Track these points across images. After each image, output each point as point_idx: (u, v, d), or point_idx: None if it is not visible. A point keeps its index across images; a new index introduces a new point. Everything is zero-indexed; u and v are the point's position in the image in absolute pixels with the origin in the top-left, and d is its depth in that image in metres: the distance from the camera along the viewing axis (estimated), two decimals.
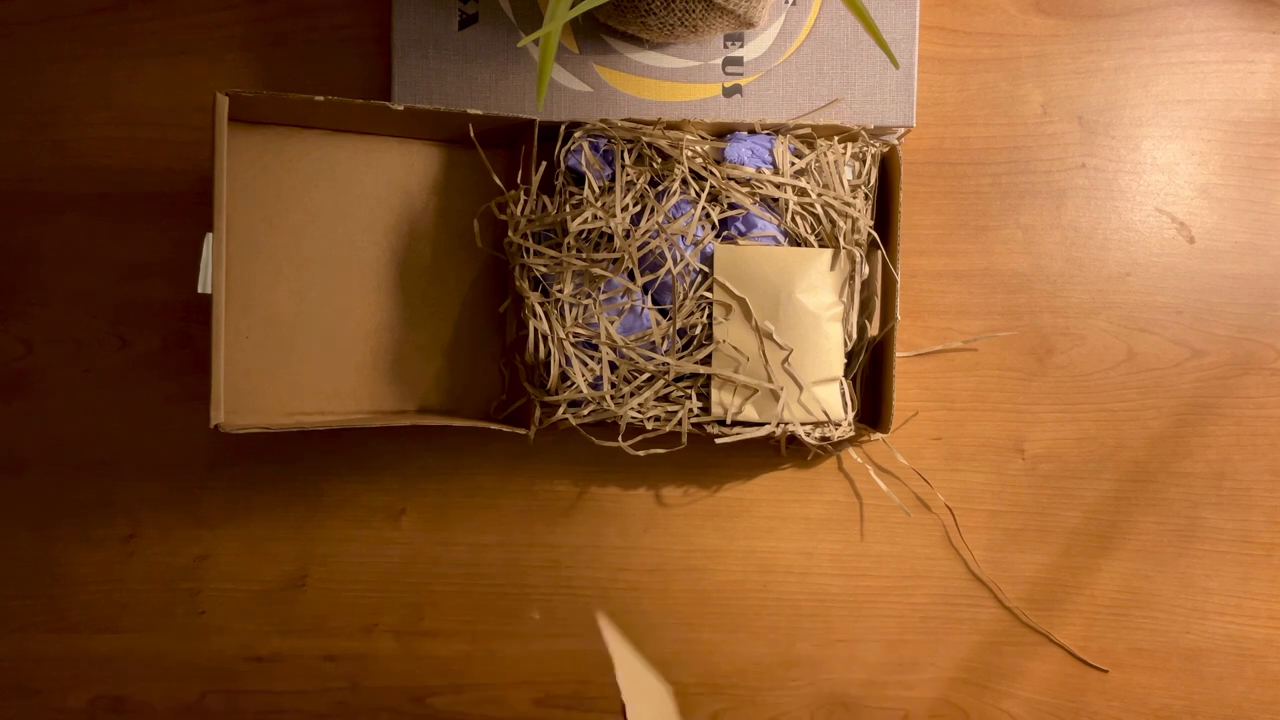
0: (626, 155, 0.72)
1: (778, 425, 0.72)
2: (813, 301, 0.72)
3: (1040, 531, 0.78)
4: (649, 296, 0.73)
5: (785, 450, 0.78)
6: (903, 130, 0.75)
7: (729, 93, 0.76)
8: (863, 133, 0.73)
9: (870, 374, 0.76)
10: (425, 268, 0.76)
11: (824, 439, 0.73)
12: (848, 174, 0.73)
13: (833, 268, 0.72)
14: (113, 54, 0.77)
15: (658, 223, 0.71)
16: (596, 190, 0.72)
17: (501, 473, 0.78)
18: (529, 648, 0.77)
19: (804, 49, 0.76)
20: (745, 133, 0.74)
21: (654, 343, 0.72)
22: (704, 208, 0.72)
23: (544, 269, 0.72)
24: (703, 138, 0.74)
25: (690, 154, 0.72)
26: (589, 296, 0.72)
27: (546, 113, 0.75)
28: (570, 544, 0.78)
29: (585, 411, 0.72)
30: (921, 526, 0.78)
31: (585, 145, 0.72)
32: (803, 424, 0.72)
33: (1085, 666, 0.77)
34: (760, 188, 0.72)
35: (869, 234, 0.73)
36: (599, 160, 0.72)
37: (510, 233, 0.72)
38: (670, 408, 0.72)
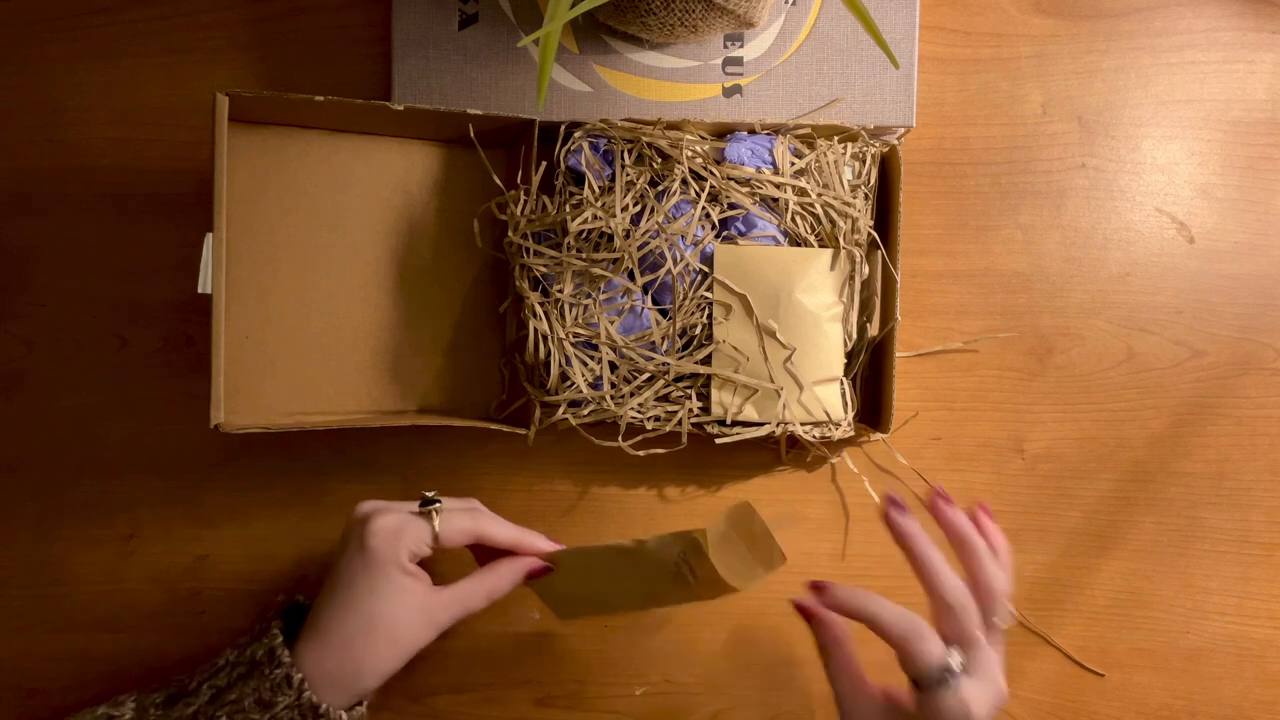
0: (626, 155, 0.72)
1: (778, 425, 0.71)
2: (813, 301, 0.72)
3: (1040, 531, 0.78)
4: (649, 296, 0.73)
5: (786, 451, 0.77)
6: (903, 130, 0.75)
7: (729, 93, 0.76)
8: (863, 133, 0.73)
9: (870, 374, 0.76)
10: (425, 268, 0.76)
11: (824, 439, 0.73)
12: (848, 174, 0.73)
13: (833, 268, 0.72)
14: (113, 54, 0.77)
15: (658, 223, 0.71)
16: (596, 190, 0.72)
17: (501, 473, 0.78)
18: (529, 648, 0.77)
19: (804, 49, 0.76)
20: (745, 133, 0.74)
21: (654, 343, 0.72)
22: (704, 208, 0.72)
23: (544, 269, 0.72)
24: (703, 138, 0.74)
25: (690, 154, 0.72)
26: (589, 296, 0.72)
27: (546, 113, 0.75)
28: (570, 544, 0.78)
29: (585, 411, 0.72)
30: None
31: (585, 145, 0.72)
32: (803, 424, 0.72)
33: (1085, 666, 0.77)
34: (760, 188, 0.72)
35: (869, 234, 0.73)
36: (599, 160, 0.72)
37: (510, 233, 0.72)
38: (670, 408, 0.72)
